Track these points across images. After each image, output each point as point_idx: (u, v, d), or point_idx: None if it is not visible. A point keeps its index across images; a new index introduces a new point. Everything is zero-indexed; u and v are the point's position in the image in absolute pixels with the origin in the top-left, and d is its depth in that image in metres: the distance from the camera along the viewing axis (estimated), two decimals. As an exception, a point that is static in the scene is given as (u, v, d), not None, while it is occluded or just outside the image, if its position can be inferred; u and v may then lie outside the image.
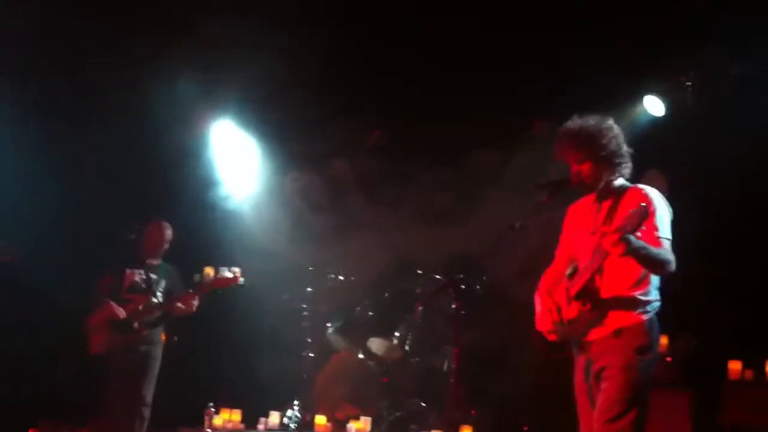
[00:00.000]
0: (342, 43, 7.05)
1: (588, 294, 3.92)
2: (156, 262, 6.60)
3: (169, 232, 6.64)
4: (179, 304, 6.37)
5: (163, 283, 6.52)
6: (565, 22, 6.50)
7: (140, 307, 6.33)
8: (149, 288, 6.42)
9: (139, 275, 6.45)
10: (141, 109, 7.21)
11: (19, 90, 6.76)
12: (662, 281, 3.96)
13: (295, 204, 9.04)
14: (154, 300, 6.40)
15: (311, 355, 7.54)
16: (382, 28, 6.88)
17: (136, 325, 6.28)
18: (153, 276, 6.49)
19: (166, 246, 6.62)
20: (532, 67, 6.77)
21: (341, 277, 7.79)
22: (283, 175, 8.96)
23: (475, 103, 7.09)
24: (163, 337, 6.87)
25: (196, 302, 6.39)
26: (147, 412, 6.34)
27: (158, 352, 6.49)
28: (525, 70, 6.81)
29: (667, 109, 6.69)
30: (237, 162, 8.40)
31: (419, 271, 7.60)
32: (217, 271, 6.89)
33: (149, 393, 6.36)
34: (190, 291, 6.42)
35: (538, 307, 4.22)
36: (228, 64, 7.38)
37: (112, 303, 6.29)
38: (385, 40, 7.01)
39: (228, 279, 6.40)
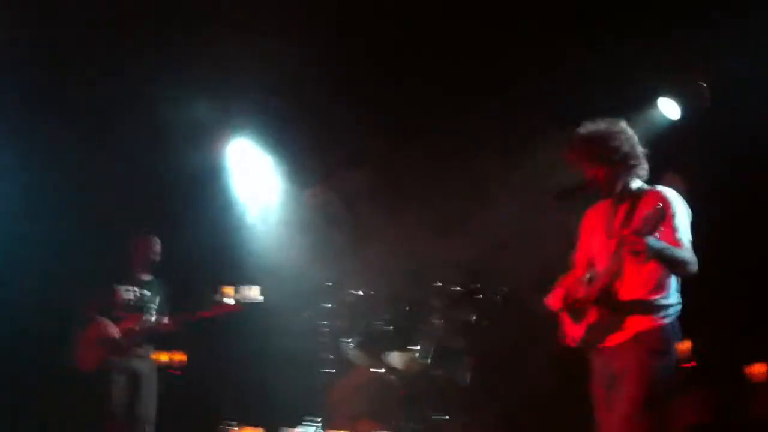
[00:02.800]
0: (358, 53, 7.02)
1: (607, 298, 3.89)
2: (147, 277, 6.55)
3: (158, 247, 6.59)
4: (171, 324, 6.35)
5: (156, 301, 6.49)
6: (577, 23, 6.44)
7: (134, 327, 6.29)
8: (142, 306, 6.40)
9: (131, 292, 6.42)
10: (158, 127, 7.22)
11: (36, 102, 6.73)
12: (683, 283, 3.91)
13: (313, 220, 9.07)
14: (148, 319, 6.36)
15: (331, 370, 7.49)
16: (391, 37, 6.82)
17: (127, 344, 6.24)
18: (146, 293, 6.46)
19: (156, 260, 6.57)
20: (545, 70, 6.72)
21: (360, 292, 7.76)
22: (300, 191, 8.99)
23: (484, 105, 7.03)
24: (161, 357, 6.84)
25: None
26: (151, 430, 6.32)
27: (150, 368, 6.45)
28: (536, 73, 6.76)
29: (683, 111, 6.62)
30: (254, 179, 8.42)
31: (438, 283, 7.57)
32: (236, 290, 6.90)
33: (151, 410, 6.34)
34: (191, 313, 6.38)
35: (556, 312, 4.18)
36: (244, 81, 7.40)
37: (105, 321, 6.25)
38: (396, 48, 6.95)
39: (229, 306, 6.38)
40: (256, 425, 6.92)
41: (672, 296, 3.90)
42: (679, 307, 3.91)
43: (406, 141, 7.49)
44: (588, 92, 6.03)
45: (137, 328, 6.30)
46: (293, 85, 7.34)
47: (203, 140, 7.78)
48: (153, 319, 6.40)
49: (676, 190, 4.03)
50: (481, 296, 6.49)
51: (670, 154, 6.12)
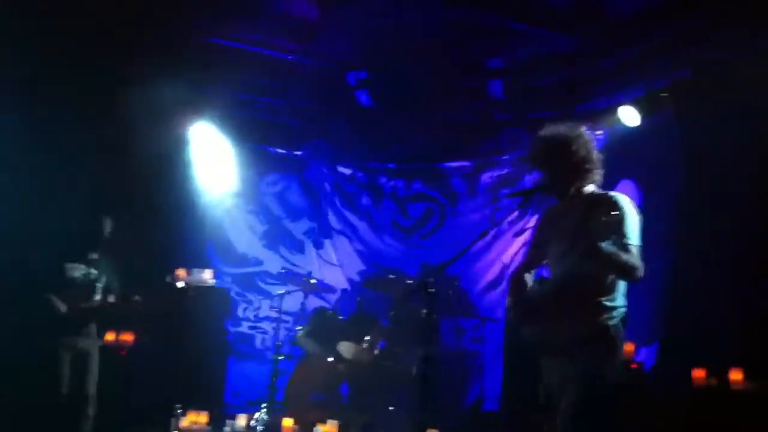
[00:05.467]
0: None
1: (556, 299, 3.94)
2: (95, 256, 6.52)
3: (106, 226, 6.55)
4: (118, 303, 6.34)
5: (103, 279, 6.46)
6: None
7: (80, 305, 6.27)
8: (90, 284, 6.37)
9: (78, 270, 6.38)
10: (118, 110, 7.12)
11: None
12: (629, 287, 3.98)
13: (270, 207, 9.05)
14: (94, 297, 6.34)
15: (281, 358, 7.50)
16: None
17: (75, 320, 6.22)
18: (93, 271, 6.43)
19: (105, 238, 6.53)
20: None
21: (313, 281, 7.77)
22: (259, 178, 8.96)
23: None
24: (107, 336, 6.79)
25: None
26: (92, 411, 6.29)
27: (95, 348, 6.43)
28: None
29: (643, 119, 6.69)
30: (214, 164, 8.36)
31: (391, 276, 7.61)
32: (189, 273, 6.86)
33: (92, 390, 6.32)
34: (135, 298, 6.38)
35: (510, 307, 4.24)
36: (208, 67, 7.36)
37: (53, 298, 6.23)
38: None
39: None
40: (200, 410, 6.90)
41: (618, 299, 3.95)
42: (624, 310, 3.97)
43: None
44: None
45: (84, 306, 6.25)
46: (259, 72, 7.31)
47: (164, 123, 7.68)
48: (99, 297, 6.35)
49: (630, 195, 4.09)
50: (433, 290, 6.51)
51: (628, 160, 6.22)
